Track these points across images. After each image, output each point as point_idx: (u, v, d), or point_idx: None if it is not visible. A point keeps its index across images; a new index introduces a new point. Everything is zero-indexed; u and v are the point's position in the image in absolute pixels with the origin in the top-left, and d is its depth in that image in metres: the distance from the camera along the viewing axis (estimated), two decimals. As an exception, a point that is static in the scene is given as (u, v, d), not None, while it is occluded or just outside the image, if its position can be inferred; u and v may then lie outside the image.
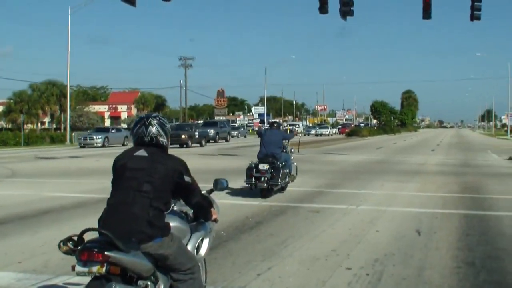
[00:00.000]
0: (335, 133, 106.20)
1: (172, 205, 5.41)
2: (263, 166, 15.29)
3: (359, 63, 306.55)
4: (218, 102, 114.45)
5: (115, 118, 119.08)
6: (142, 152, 4.97)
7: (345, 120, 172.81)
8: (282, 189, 16.28)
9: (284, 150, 16.70)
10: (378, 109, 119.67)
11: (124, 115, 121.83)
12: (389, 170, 24.69)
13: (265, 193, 15.30)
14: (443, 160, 32.56)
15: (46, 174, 22.67)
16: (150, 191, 4.76)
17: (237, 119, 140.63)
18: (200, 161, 28.60)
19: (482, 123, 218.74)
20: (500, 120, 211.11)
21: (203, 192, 5.78)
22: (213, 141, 57.98)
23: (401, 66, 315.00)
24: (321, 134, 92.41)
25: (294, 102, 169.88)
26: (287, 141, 17.68)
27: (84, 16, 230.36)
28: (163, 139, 5.10)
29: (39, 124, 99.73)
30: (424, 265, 8.10)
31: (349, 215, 12.50)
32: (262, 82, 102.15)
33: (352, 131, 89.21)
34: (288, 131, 21.11)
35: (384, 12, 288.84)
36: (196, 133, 49.35)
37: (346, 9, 26.54)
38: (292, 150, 17.98)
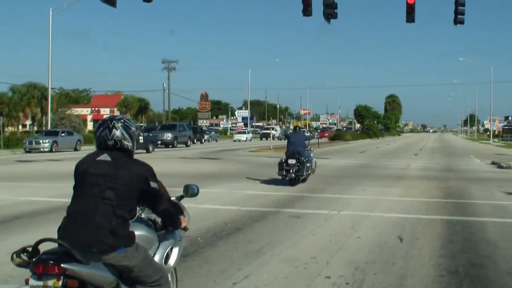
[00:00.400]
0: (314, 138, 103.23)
1: (140, 212, 5.10)
2: (291, 161, 19.21)
3: (343, 67, 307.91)
4: (201, 105, 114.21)
5: (98, 121, 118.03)
6: (105, 157, 4.65)
7: (329, 124, 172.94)
8: (304, 180, 19.99)
9: (306, 149, 20.40)
10: (361, 113, 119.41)
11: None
12: (372, 175, 24.49)
13: (293, 182, 19.32)
14: (426, 164, 32.44)
15: (23, 178, 22.19)
16: (113, 198, 4.45)
17: (221, 122, 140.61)
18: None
19: (465, 127, 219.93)
20: (483, 125, 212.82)
21: (172, 198, 5.47)
22: (170, 146, 54.46)
23: (385, 71, 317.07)
24: None
25: (278, 106, 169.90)
26: (308, 141, 21.39)
27: (66, 18, 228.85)
28: (128, 143, 4.79)
29: (20, 126, 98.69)
30: (406, 273, 7.84)
31: (331, 220, 12.23)
32: (246, 86, 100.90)
33: (335, 135, 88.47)
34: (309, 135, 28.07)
35: (368, 15, 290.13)
36: (141, 138, 42.54)
37: (330, 12, 26.30)
38: (312, 148, 21.98)
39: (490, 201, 15.92)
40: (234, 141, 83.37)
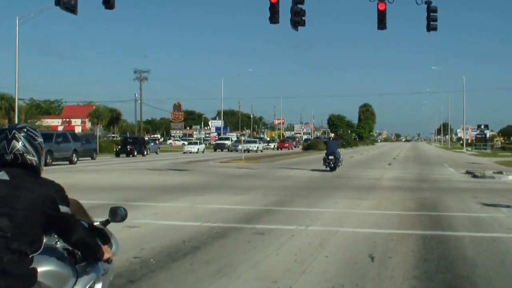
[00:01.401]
0: (273, 148, 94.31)
1: (55, 241, 4.21)
2: (331, 157, 32.20)
3: (316, 76, 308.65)
4: (174, 116, 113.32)
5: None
6: (1, 175, 3.75)
7: (303, 133, 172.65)
8: (335, 169, 32.35)
9: (338, 150, 33.83)
10: (335, 122, 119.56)
11: (78, 129, 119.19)
12: (344, 186, 23.75)
13: (332, 169, 32.05)
14: (400, 174, 31.82)
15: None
16: (6, 228, 3.55)
17: (194, 133, 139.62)
18: None
19: (438, 136, 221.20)
20: (456, 134, 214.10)
21: (96, 223, 4.58)
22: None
23: (359, 80, 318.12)
24: (248, 150, 72.37)
25: (252, 116, 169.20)
26: (338, 146, 35.48)
27: (36, 27, 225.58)
28: (32, 157, 3.88)
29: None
30: (377, 300, 7.01)
31: (297, 237, 11.39)
32: (220, 96, 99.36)
33: (308, 145, 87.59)
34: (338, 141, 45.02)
35: (340, 23, 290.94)
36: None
37: (297, 19, 25.61)
38: (339, 150, 34.79)
39: (466, 213, 15.23)
40: (184, 152, 74.10)
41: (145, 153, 62.93)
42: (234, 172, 32.47)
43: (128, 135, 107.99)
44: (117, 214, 4.79)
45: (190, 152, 73.17)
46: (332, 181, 26.46)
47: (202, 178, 27.50)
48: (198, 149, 76.52)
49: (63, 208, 3.85)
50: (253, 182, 25.12)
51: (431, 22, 27.59)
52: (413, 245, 10.63)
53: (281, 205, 16.65)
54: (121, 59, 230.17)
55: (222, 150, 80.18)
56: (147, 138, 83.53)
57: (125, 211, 4.83)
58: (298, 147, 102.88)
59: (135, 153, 60.44)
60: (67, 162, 41.54)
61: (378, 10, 26.71)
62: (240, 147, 73.73)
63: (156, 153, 69.77)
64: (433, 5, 27.65)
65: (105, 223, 4.79)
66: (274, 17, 25.39)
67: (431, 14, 27.54)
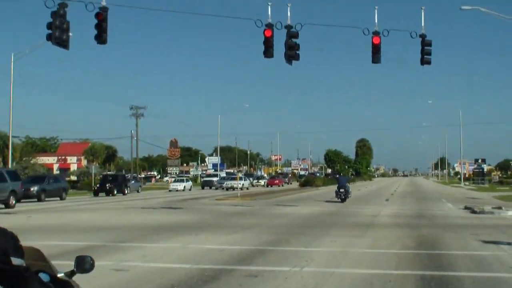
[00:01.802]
0: (259, 185, 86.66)
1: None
2: (342, 190, 38.09)
3: (312, 111, 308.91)
4: (171, 152, 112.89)
5: (65, 170, 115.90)
6: None
7: (300, 169, 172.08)
8: (345, 200, 38.06)
9: (348, 184, 40.74)
10: (332, 158, 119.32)
11: (74, 167, 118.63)
12: (340, 223, 23.25)
13: (343, 200, 37.55)
14: (397, 210, 31.31)
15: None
16: None
17: (190, 169, 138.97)
18: None
19: (436, 171, 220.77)
20: (453, 168, 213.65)
21: (60, 274, 4.13)
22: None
23: (355, 114, 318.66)
24: (232, 188, 67.36)
25: (249, 152, 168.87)
26: (348, 180, 45.31)
27: (31, 63, 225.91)
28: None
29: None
30: None
31: (292, 279, 10.90)
32: (217, 132, 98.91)
33: (305, 181, 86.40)
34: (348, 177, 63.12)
35: (335, 57, 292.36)
36: None
37: (292, 53, 25.37)
38: (349, 184, 42.06)
39: (466, 251, 14.76)
40: (169, 190, 69.16)
41: (126, 191, 58.76)
42: (229, 210, 31.94)
43: (124, 172, 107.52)
44: (84, 264, 4.33)
45: (176, 190, 68.36)
46: (329, 218, 25.96)
47: (196, 217, 26.96)
48: (184, 186, 71.50)
49: (16, 261, 3.41)
50: (248, 220, 24.62)
51: (425, 56, 27.36)
52: (412, 286, 10.16)
53: (275, 245, 16.15)
54: (117, 95, 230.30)
55: (210, 188, 75.95)
56: (129, 176, 78.00)
57: (92, 261, 4.37)
58: (290, 183, 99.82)
59: (115, 192, 56.27)
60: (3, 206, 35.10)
61: (373, 44, 26.49)
62: (225, 184, 71.58)
63: (138, 191, 64.93)
64: (428, 39, 27.51)
65: (70, 274, 4.33)
66: (268, 51, 25.16)
67: (426, 47, 27.33)
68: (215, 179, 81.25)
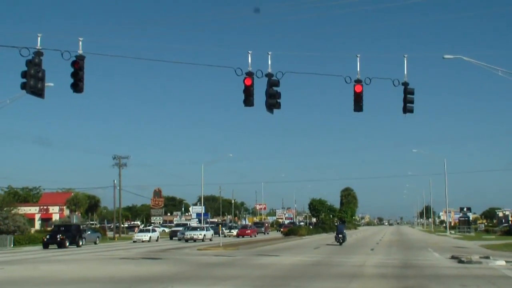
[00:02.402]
0: (231, 235, 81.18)
1: None
2: (340, 235, 50.56)
3: (296, 160, 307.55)
4: (154, 202, 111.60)
5: (46, 220, 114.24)
6: None
7: (285, 218, 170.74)
8: (343, 243, 50.09)
9: (344, 231, 53.51)
10: (316, 207, 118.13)
11: (56, 217, 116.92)
12: (324, 274, 22.44)
13: (341, 244, 49.43)
14: (383, 260, 30.50)
15: None
16: None
17: (174, 219, 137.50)
18: None
19: (421, 219, 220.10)
20: (439, 217, 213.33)
21: None
22: None
23: (339, 163, 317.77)
24: (192, 239, 64.01)
25: (233, 201, 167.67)
26: (344, 227, 60.07)
27: (12, 115, 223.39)
28: None
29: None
30: None
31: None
32: (200, 181, 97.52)
33: (289, 230, 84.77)
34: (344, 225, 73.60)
35: (317, 106, 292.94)
36: None
37: (273, 102, 24.97)
38: (345, 231, 55.05)
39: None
40: (134, 241, 64.57)
41: (80, 243, 53.50)
42: (209, 260, 30.94)
43: (106, 222, 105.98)
44: None
45: (142, 241, 63.90)
46: (313, 268, 25.10)
47: (174, 268, 25.93)
48: (150, 237, 66.36)
49: None
50: (228, 271, 23.74)
51: (408, 104, 27.09)
52: None
53: (254, 298, 15.33)
54: (100, 146, 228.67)
55: (179, 240, 68.28)
56: (84, 226, 70.39)
57: None
58: (267, 233, 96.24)
59: (67, 244, 50.77)
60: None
61: (355, 92, 26.23)
62: (186, 235, 65.48)
63: (95, 243, 59.69)
64: (410, 87, 27.25)
65: None
66: (248, 100, 24.77)
67: (408, 96, 27.09)
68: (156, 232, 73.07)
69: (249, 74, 25.04)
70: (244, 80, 25.00)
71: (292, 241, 62.37)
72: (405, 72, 27.61)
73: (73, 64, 23.75)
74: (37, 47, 23.05)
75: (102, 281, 20.40)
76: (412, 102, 27.31)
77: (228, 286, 17.92)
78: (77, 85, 23.90)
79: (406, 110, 27.21)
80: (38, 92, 23.05)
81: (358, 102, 26.40)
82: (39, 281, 20.51)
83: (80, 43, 24.14)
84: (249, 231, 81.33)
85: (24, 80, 22.64)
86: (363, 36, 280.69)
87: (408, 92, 27.28)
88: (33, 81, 22.65)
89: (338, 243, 49.62)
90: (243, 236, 77.64)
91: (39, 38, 23.39)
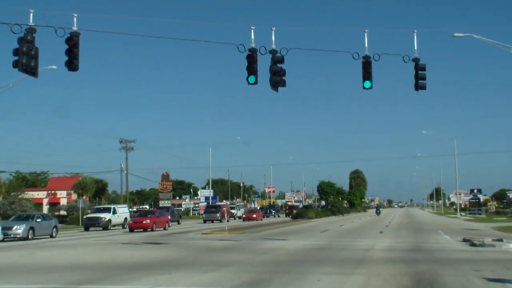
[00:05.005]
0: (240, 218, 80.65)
1: None
2: (377, 211, 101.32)
3: (305, 142, 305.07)
4: (162, 186, 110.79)
5: (54, 204, 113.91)
6: None
7: (294, 201, 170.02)
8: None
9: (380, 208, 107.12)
10: (325, 189, 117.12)
11: (63, 201, 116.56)
12: (330, 259, 21.47)
13: (378, 215, 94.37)
14: (392, 244, 29.48)
15: None
16: None
17: (182, 203, 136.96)
18: None
19: (431, 201, 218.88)
20: (449, 198, 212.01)
21: None
22: None
23: (348, 145, 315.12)
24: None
25: (242, 184, 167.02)
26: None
27: (17, 98, 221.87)
28: None
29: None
30: None
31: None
32: (209, 164, 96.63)
33: (297, 213, 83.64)
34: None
35: (326, 85, 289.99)
36: None
37: (277, 79, 23.90)
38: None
39: (468, 292, 13.05)
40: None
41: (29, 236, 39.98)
42: (213, 244, 30.06)
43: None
44: None
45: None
46: (319, 253, 24.16)
47: (175, 253, 25.05)
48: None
49: None
50: (230, 256, 22.83)
51: (420, 81, 26.01)
52: None
53: (255, 285, 14.41)
54: (108, 129, 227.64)
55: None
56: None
57: None
58: (277, 216, 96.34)
59: None
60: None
61: (363, 68, 25.22)
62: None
63: (52, 236, 42.84)
64: (421, 63, 26.13)
65: None
66: (252, 73, 23.87)
67: (419, 72, 25.99)
68: (106, 214, 58.46)
69: (252, 51, 24.06)
70: (246, 57, 24.06)
71: (300, 224, 61.44)
72: (415, 48, 26.50)
73: (67, 41, 22.78)
74: (30, 24, 22.11)
75: (96, 267, 19.53)
76: (424, 78, 26.22)
77: (228, 273, 16.96)
78: (71, 63, 22.89)
79: (418, 87, 26.14)
80: (31, 70, 22.07)
81: (366, 79, 25.36)
82: (32, 268, 19.68)
83: (75, 19, 23.17)
84: (255, 215, 78.81)
85: (16, 58, 21.73)
86: (371, 12, 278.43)
87: (419, 68, 26.18)
88: (25, 59, 21.67)
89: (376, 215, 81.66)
90: (248, 220, 75.22)
91: (31, 15, 22.43)
